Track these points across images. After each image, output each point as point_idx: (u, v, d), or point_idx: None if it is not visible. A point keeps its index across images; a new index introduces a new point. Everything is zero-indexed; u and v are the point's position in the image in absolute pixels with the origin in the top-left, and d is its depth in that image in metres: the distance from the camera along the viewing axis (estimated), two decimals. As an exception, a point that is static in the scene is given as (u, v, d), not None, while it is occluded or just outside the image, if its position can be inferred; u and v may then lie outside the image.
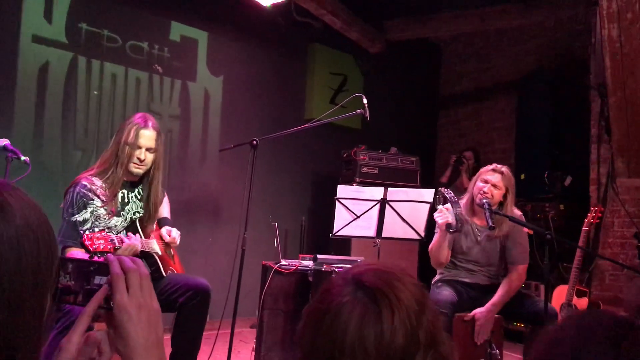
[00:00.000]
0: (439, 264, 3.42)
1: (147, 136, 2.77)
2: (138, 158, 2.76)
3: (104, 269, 0.92)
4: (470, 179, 3.80)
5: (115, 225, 2.79)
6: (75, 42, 4.27)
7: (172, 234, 3.01)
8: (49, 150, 4.15)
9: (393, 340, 0.81)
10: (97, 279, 0.93)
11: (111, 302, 0.88)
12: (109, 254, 0.95)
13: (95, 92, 4.38)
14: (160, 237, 3.04)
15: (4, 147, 2.99)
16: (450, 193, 3.24)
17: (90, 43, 4.36)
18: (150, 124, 2.79)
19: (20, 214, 0.75)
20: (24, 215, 0.75)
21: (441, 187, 3.38)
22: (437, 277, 3.61)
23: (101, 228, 2.68)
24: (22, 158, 2.99)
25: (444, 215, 3.15)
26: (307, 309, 0.90)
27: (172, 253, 3.15)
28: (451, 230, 3.16)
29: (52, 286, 0.81)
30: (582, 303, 4.22)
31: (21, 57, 4.00)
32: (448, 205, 3.23)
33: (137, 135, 2.73)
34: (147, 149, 2.78)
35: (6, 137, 3.08)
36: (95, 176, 2.73)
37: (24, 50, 4.00)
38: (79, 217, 2.62)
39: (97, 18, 4.38)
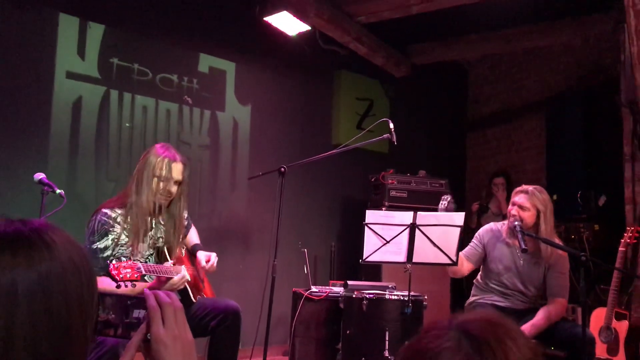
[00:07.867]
0: (454, 272, 3.46)
1: (178, 169, 2.84)
2: (168, 191, 2.82)
3: (141, 303, 1.00)
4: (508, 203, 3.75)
5: (140, 252, 2.82)
6: (107, 77, 4.38)
7: (212, 259, 3.00)
8: (83, 182, 4.24)
9: None
10: (136, 312, 1.01)
11: (148, 335, 0.94)
12: (145, 289, 1.00)
13: (128, 124, 4.48)
14: (192, 263, 3.06)
15: (40, 181, 3.07)
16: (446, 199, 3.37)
17: (122, 77, 4.47)
18: (178, 157, 2.85)
19: (64, 250, 0.83)
20: (67, 251, 0.83)
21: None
22: (471, 299, 3.57)
23: (125, 255, 2.71)
24: (58, 191, 3.06)
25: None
26: (404, 348, 0.84)
27: (202, 277, 3.17)
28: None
29: (94, 316, 0.89)
30: (622, 326, 4.09)
31: (55, 93, 4.12)
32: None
33: (169, 170, 2.79)
34: (175, 182, 2.84)
35: (42, 171, 3.16)
36: (119, 207, 2.77)
37: (58, 86, 4.13)
38: (99, 245, 2.65)
39: (128, 53, 4.50)
